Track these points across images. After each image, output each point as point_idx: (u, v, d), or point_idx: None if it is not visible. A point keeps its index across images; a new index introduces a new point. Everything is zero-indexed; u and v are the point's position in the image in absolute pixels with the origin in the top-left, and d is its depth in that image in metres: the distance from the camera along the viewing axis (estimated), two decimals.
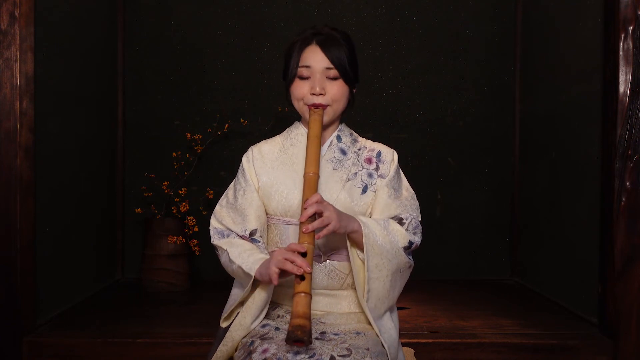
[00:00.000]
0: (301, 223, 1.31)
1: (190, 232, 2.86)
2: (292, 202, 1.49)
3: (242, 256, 1.42)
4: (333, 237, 1.48)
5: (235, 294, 1.49)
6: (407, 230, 1.48)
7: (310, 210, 1.30)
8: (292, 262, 1.26)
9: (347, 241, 1.42)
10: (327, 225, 1.31)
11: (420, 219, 1.53)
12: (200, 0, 3.17)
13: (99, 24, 2.88)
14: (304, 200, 1.34)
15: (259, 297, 1.41)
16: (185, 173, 2.95)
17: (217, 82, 3.17)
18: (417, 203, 1.55)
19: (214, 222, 1.54)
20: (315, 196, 1.33)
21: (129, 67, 3.16)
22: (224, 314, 1.48)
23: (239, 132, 3.07)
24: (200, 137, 2.92)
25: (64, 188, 2.45)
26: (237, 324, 1.42)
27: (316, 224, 1.30)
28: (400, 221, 1.49)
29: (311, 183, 1.37)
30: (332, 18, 3.15)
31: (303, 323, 1.18)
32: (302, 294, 1.22)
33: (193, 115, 3.15)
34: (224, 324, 1.48)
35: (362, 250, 1.40)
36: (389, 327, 1.45)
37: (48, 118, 2.26)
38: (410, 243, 1.46)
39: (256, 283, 1.42)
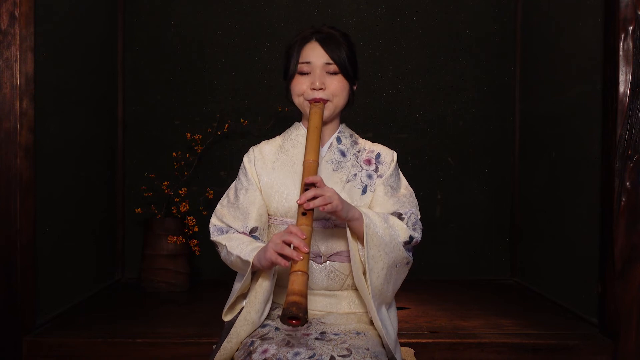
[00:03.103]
0: (300, 205, 1.30)
1: (190, 232, 2.86)
2: (292, 203, 1.49)
3: (240, 247, 1.42)
4: (333, 237, 1.49)
5: (237, 287, 1.49)
6: (407, 225, 1.47)
7: (310, 193, 1.29)
8: (289, 243, 1.26)
9: (347, 230, 1.41)
10: (329, 204, 1.30)
11: (419, 217, 1.53)
12: (200, 0, 3.17)
13: (99, 24, 2.88)
14: (303, 185, 1.33)
15: (261, 289, 1.41)
16: (185, 173, 2.95)
17: (217, 82, 3.18)
18: (416, 201, 1.55)
19: (214, 220, 1.55)
20: (315, 177, 1.32)
21: (129, 67, 3.16)
22: (226, 307, 1.48)
23: (239, 132, 3.07)
24: (200, 137, 2.92)
25: (64, 188, 2.45)
26: (242, 319, 1.41)
27: (318, 201, 1.29)
28: (399, 217, 1.49)
29: (310, 169, 1.36)
30: (332, 18, 3.15)
31: (299, 300, 1.16)
32: (299, 272, 1.21)
33: (193, 115, 3.15)
34: (226, 318, 1.48)
35: (361, 241, 1.40)
36: (386, 324, 1.45)
37: (48, 118, 2.26)
38: (411, 238, 1.46)
39: (257, 274, 1.42)
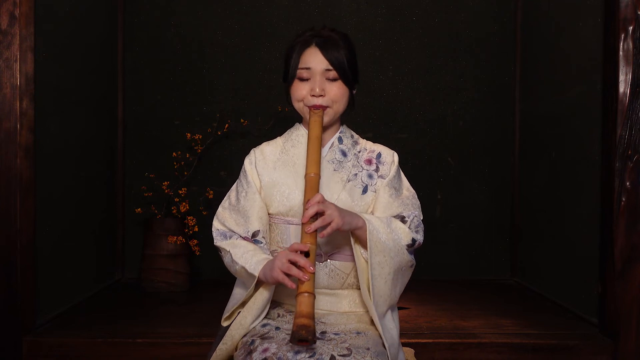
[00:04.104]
0: (303, 224, 1.32)
1: (190, 232, 2.86)
2: (293, 202, 1.50)
3: (244, 257, 1.42)
4: (335, 237, 1.49)
5: (238, 293, 1.49)
6: (409, 228, 1.48)
7: (312, 211, 1.31)
8: (295, 262, 1.27)
9: (351, 238, 1.43)
10: (329, 224, 1.32)
11: (422, 218, 1.53)
12: (200, 0, 3.17)
13: (99, 24, 2.88)
14: (306, 201, 1.34)
15: (260, 297, 1.42)
16: (185, 173, 2.95)
17: (217, 82, 3.18)
18: (419, 202, 1.56)
19: (216, 224, 1.55)
20: (316, 196, 1.33)
21: (129, 67, 3.16)
22: (226, 314, 1.49)
23: (239, 132, 3.07)
24: (200, 137, 2.92)
25: (64, 188, 2.45)
26: (238, 323, 1.42)
27: (318, 223, 1.31)
28: (402, 219, 1.49)
29: (312, 184, 1.38)
30: (332, 18, 3.15)
31: (307, 323, 1.19)
32: (306, 294, 1.23)
33: (193, 115, 3.15)
34: (224, 323, 1.49)
35: (365, 247, 1.41)
36: (390, 327, 1.46)
37: (48, 118, 2.26)
38: (414, 241, 1.47)
39: (259, 283, 1.42)
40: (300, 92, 1.51)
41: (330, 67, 1.48)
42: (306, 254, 1.29)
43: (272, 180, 1.54)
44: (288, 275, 1.29)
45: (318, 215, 1.32)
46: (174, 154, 2.92)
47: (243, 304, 1.47)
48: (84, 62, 2.67)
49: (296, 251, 1.29)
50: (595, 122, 2.30)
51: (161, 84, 3.16)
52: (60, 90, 2.40)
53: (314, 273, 1.27)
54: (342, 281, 1.50)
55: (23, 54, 2.06)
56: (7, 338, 2.06)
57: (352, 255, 1.47)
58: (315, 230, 1.31)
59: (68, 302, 2.49)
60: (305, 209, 1.33)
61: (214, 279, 3.03)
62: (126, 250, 3.17)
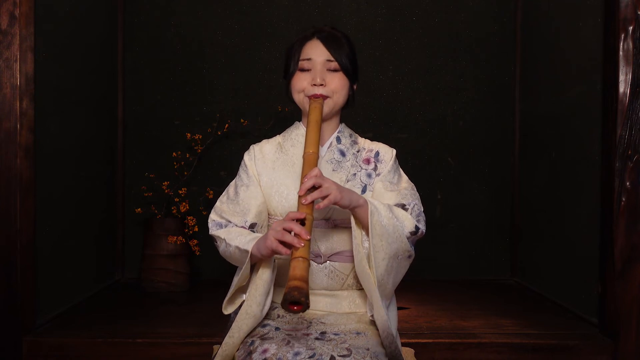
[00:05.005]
0: (300, 196, 1.30)
1: (190, 232, 2.87)
2: (292, 203, 1.50)
3: (238, 238, 1.41)
4: (334, 237, 1.49)
5: (236, 280, 1.48)
6: (411, 215, 1.47)
7: (309, 183, 1.29)
8: (290, 230, 1.25)
9: (352, 220, 1.40)
10: (327, 196, 1.30)
11: (422, 209, 1.51)
12: (200, 0, 3.17)
13: (99, 24, 2.88)
14: (303, 176, 1.33)
15: (261, 281, 1.39)
16: (185, 173, 2.95)
17: (217, 82, 3.18)
18: (418, 195, 1.54)
19: (213, 216, 1.54)
20: (314, 170, 1.32)
21: (129, 67, 3.16)
22: (226, 299, 1.46)
23: (239, 132, 3.07)
24: (200, 137, 2.92)
25: (64, 188, 2.45)
26: (244, 313, 1.39)
27: (315, 194, 1.29)
28: (402, 207, 1.47)
29: (310, 161, 1.37)
30: (332, 18, 3.15)
31: (300, 285, 1.15)
32: (300, 259, 1.20)
33: (193, 115, 3.15)
34: (226, 311, 1.46)
35: (366, 230, 1.38)
36: (391, 318, 1.44)
37: (48, 118, 2.26)
38: (417, 228, 1.44)
39: (256, 266, 1.40)
40: (301, 83, 1.51)
41: (332, 58, 1.49)
42: (302, 222, 1.26)
43: (270, 181, 1.54)
44: (283, 244, 1.26)
45: (315, 188, 1.30)
46: (174, 154, 2.92)
47: (242, 289, 1.45)
48: (84, 62, 2.67)
49: (292, 220, 1.27)
50: (595, 122, 2.30)
51: (161, 84, 3.17)
52: (60, 90, 2.40)
53: (309, 240, 1.24)
54: (342, 282, 1.50)
55: (23, 54, 2.06)
56: (7, 338, 2.06)
57: (351, 256, 1.46)
58: (312, 202, 1.29)
59: (68, 302, 2.49)
60: (302, 183, 1.31)
61: (214, 279, 3.03)
62: (126, 250, 3.17)
